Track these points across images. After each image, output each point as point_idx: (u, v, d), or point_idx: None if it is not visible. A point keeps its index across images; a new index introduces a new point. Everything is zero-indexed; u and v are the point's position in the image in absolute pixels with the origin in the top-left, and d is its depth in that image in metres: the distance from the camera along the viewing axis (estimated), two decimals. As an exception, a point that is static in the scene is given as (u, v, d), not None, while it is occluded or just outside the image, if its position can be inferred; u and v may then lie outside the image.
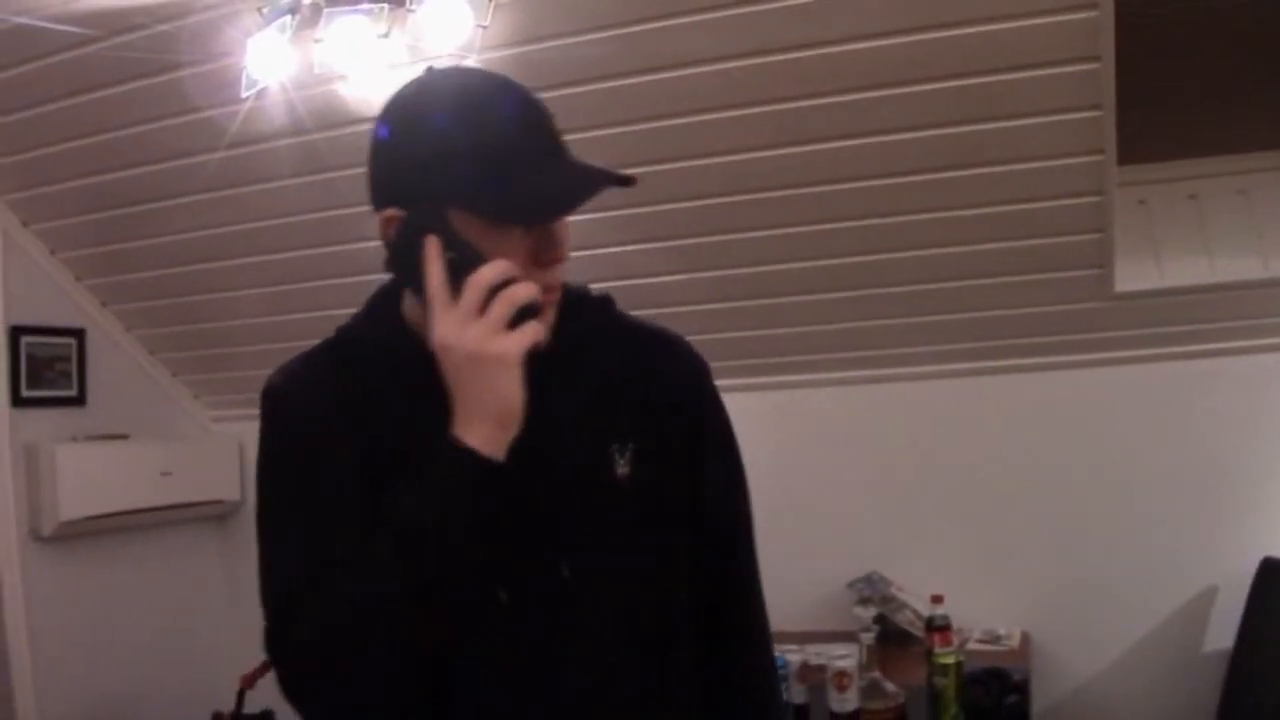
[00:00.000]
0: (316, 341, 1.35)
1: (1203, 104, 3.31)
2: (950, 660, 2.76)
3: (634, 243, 3.38)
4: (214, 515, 4.41)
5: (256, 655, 4.17)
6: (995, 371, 3.63)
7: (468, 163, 1.16)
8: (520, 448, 1.15)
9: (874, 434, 3.76)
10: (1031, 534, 3.58)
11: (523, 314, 1.13)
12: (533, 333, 1.14)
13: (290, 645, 1.17)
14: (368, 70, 2.96)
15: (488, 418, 1.13)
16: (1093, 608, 3.53)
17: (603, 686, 1.27)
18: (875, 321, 3.55)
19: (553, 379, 1.19)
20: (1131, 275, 3.28)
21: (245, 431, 4.37)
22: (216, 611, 4.38)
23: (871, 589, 3.52)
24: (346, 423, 1.23)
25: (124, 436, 4.02)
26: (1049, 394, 3.58)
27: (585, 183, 1.19)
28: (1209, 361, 3.43)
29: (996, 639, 3.42)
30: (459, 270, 1.14)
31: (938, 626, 2.84)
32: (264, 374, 4.30)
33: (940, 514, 3.68)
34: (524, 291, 1.14)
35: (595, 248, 3.32)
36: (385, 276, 1.30)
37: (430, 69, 1.28)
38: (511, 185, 1.17)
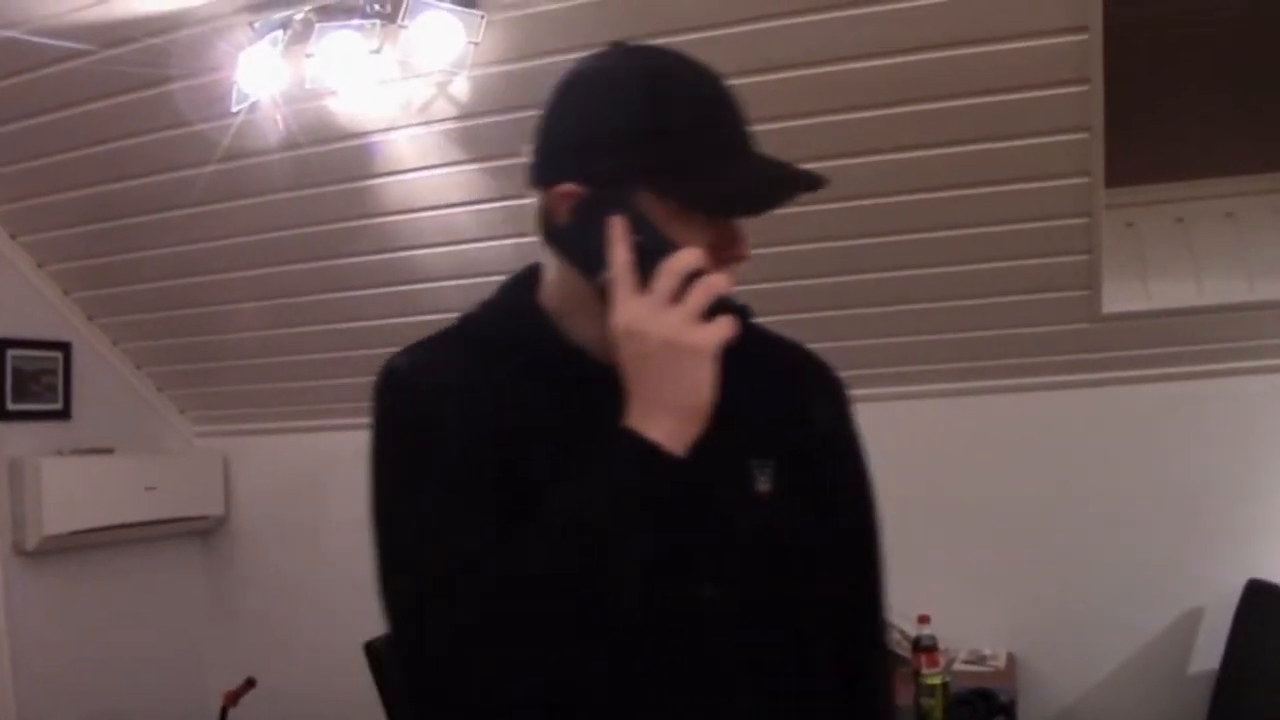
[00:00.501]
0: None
1: (1190, 127, 3.33)
2: (937, 681, 2.76)
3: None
4: (198, 531, 4.39)
5: (239, 672, 4.16)
6: (982, 392, 3.63)
7: (662, 142, 1.11)
8: None
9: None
10: (1018, 554, 3.58)
11: (716, 306, 1.08)
12: (729, 326, 1.08)
13: (423, 643, 1.09)
14: (359, 85, 2.96)
15: (675, 410, 1.07)
16: (1079, 628, 3.53)
17: (734, 711, 1.20)
18: (861, 341, 3.55)
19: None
20: (1119, 297, 3.29)
21: (230, 447, 4.38)
22: (200, 628, 4.36)
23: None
24: (478, 410, 1.16)
25: (109, 451, 4.00)
26: (1035, 414, 3.59)
27: (788, 178, 1.14)
28: (1195, 383, 3.45)
29: (982, 659, 3.42)
30: (647, 255, 1.08)
31: (924, 647, 2.84)
32: (251, 389, 4.29)
33: (926, 534, 3.67)
34: (722, 282, 1.08)
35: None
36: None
37: (619, 44, 1.21)
38: (710, 172, 1.12)
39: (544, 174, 1.17)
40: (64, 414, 3.98)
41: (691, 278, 1.07)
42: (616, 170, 1.11)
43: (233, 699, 3.70)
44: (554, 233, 1.16)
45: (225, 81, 2.98)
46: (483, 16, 2.76)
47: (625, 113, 1.13)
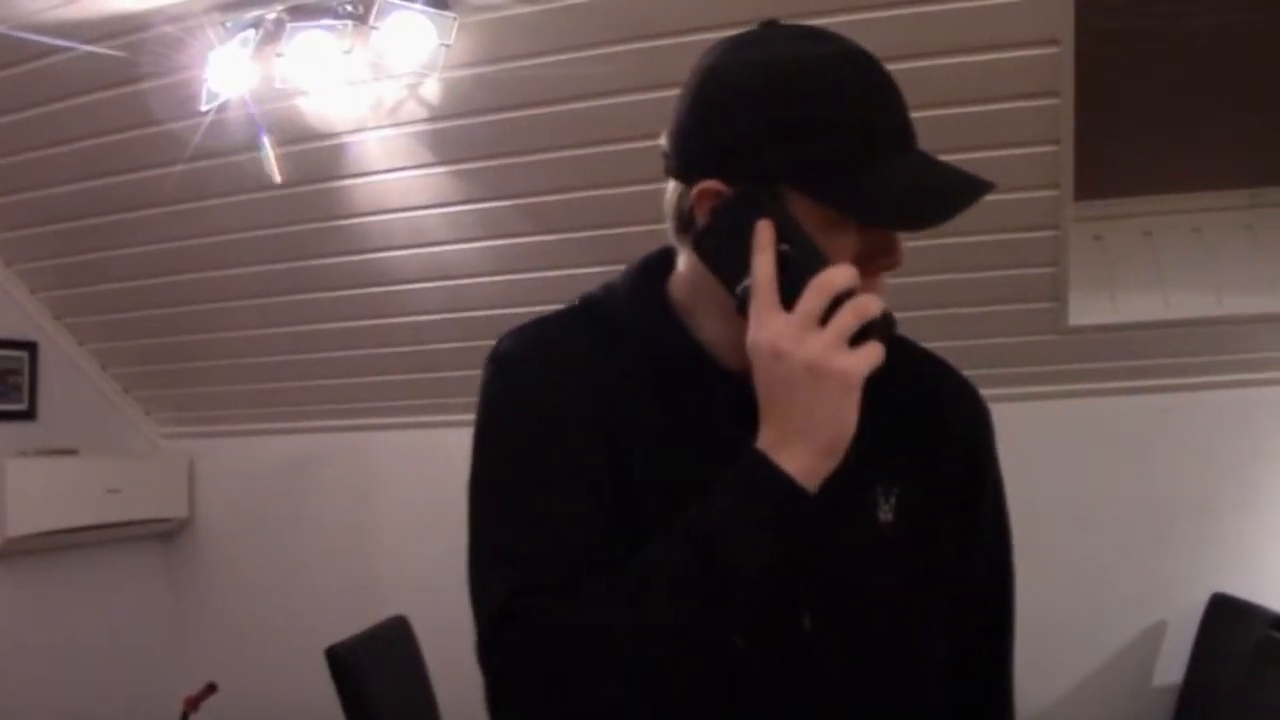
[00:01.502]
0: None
1: (1159, 142, 3.35)
2: (901, 690, 2.75)
3: (589, 265, 3.38)
4: (162, 533, 4.36)
5: (201, 677, 4.12)
6: (949, 403, 3.63)
7: (820, 141, 1.00)
8: None
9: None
10: (984, 566, 3.58)
11: (866, 330, 0.98)
12: (877, 353, 0.97)
13: (516, 646, 1.01)
14: (330, 86, 2.95)
15: (815, 442, 0.97)
16: (1043, 641, 3.51)
17: None
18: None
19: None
20: (1085, 310, 3.30)
21: (196, 449, 4.35)
22: (162, 631, 4.32)
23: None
24: (595, 402, 1.08)
25: (74, 452, 3.96)
26: (1001, 426, 3.55)
27: (961, 186, 1.03)
28: (1161, 397, 3.46)
29: (948, 670, 3.42)
30: (794, 266, 0.99)
31: (889, 656, 2.83)
32: (218, 390, 4.25)
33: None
34: (874, 305, 0.97)
35: (550, 269, 3.32)
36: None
37: (772, 22, 1.09)
38: (875, 176, 1.01)
39: (684, 168, 1.07)
40: (29, 414, 3.94)
41: (842, 298, 0.98)
42: (765, 169, 1.02)
43: (193, 704, 3.67)
44: (693, 233, 1.07)
45: (196, 81, 2.96)
46: (455, 18, 2.76)
47: (774, 103, 1.02)
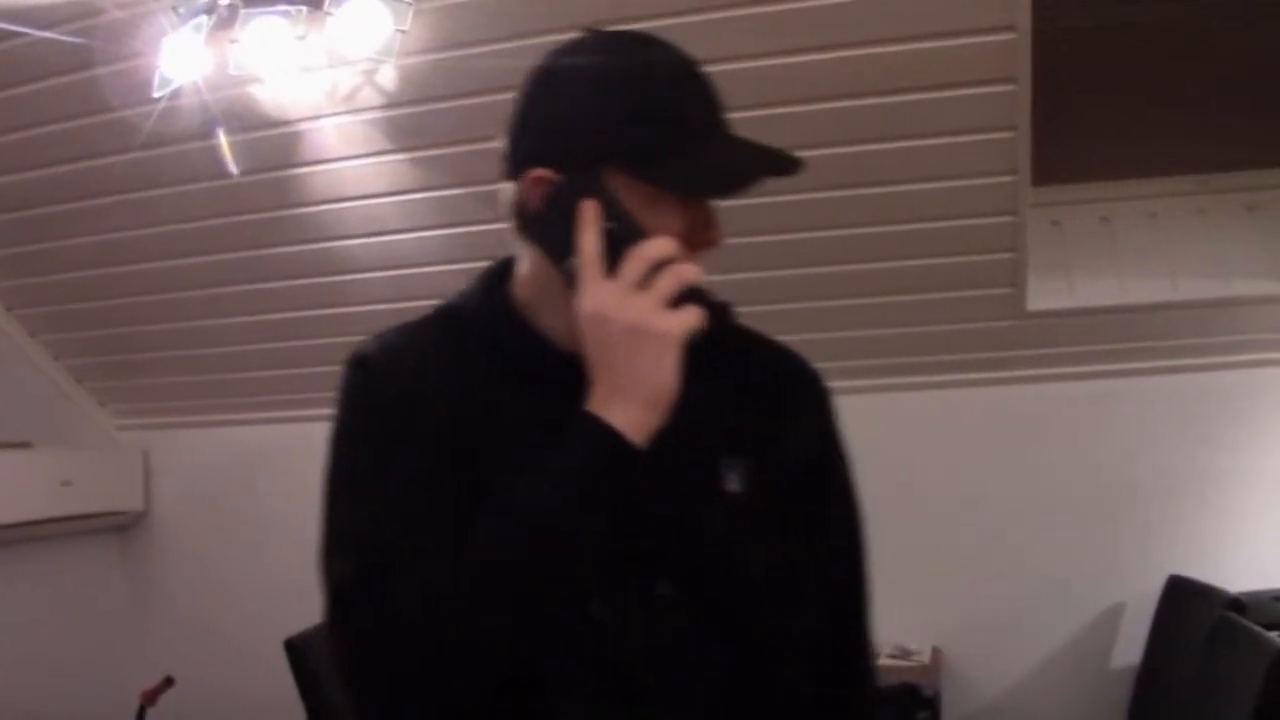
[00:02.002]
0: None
1: (1116, 128, 3.37)
2: (862, 675, 2.76)
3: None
4: (116, 526, 4.31)
5: (158, 671, 4.07)
6: (906, 388, 3.65)
7: (636, 126, 1.09)
8: None
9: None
10: (942, 550, 3.60)
11: (685, 295, 1.06)
12: (696, 315, 1.05)
13: (358, 625, 1.06)
14: (284, 73, 2.92)
15: (638, 398, 1.04)
16: (1003, 624, 3.57)
17: (695, 714, 1.16)
18: (785, 337, 3.55)
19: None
20: (1043, 295, 3.32)
21: (151, 440, 4.29)
22: (118, 625, 4.27)
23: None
24: (443, 398, 1.15)
25: (26, 444, 3.90)
26: (959, 411, 3.61)
27: (762, 160, 1.12)
28: (1118, 381, 3.50)
29: (907, 655, 3.43)
30: (617, 241, 1.07)
31: (850, 642, 2.84)
32: (173, 381, 4.20)
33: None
34: (691, 271, 1.07)
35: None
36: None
37: (591, 29, 1.19)
38: (687, 154, 1.10)
39: (516, 161, 1.15)
40: (-22, 407, 3.88)
41: (661, 265, 1.06)
42: (588, 155, 1.10)
43: (151, 698, 3.63)
44: (526, 220, 1.14)
45: (148, 67, 2.92)
46: (410, 4, 2.73)
47: (597, 97, 1.11)
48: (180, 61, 2.85)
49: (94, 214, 3.52)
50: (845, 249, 3.23)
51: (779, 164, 1.12)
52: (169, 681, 3.69)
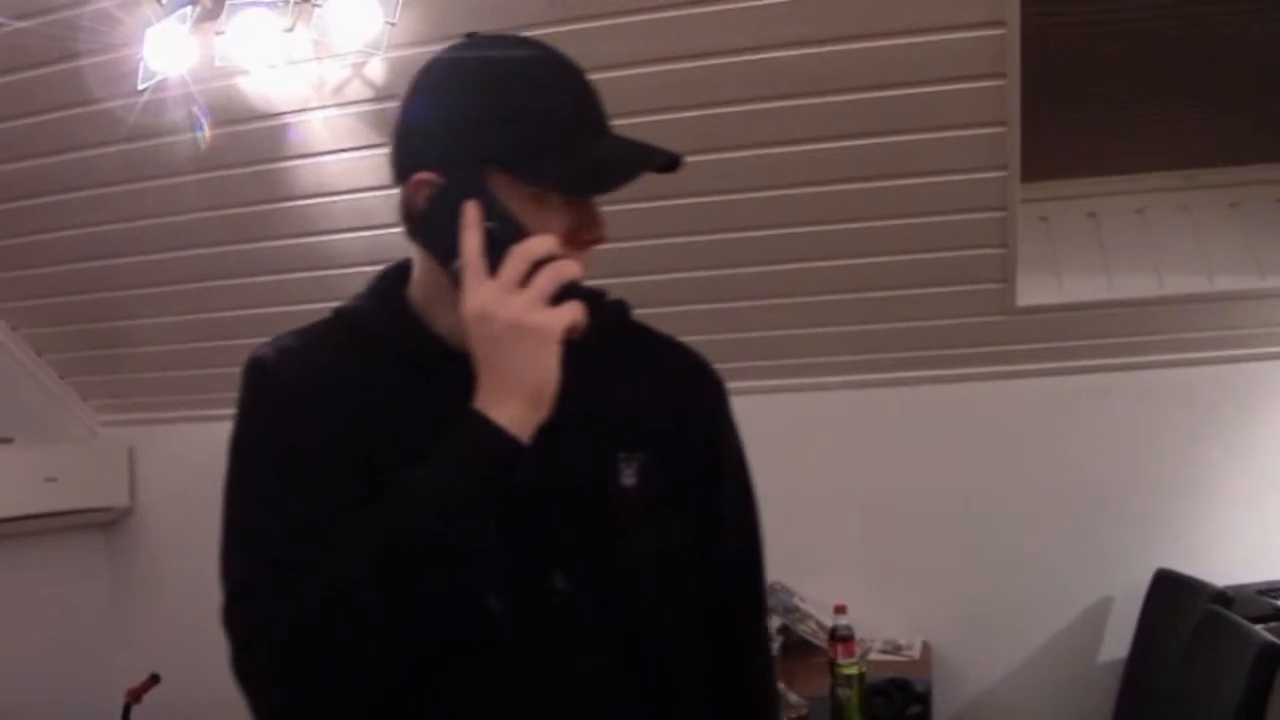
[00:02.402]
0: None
1: (1104, 124, 3.38)
2: (853, 671, 2.76)
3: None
4: (101, 523, 4.28)
5: (143, 668, 4.05)
6: (896, 383, 3.66)
7: (515, 128, 1.12)
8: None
9: (774, 444, 3.69)
10: (932, 544, 3.62)
11: (565, 292, 1.08)
12: (575, 311, 1.08)
13: (252, 624, 1.09)
14: (271, 65, 2.89)
15: (520, 394, 1.07)
16: (992, 618, 3.58)
17: (590, 707, 1.18)
18: (776, 332, 3.56)
19: (563, 378, 1.09)
20: (1032, 290, 3.33)
21: (136, 435, 4.27)
22: (102, 623, 4.24)
23: (774, 599, 3.52)
24: (338, 401, 1.17)
25: (8, 440, 3.87)
26: (949, 406, 3.62)
27: (639, 157, 1.14)
28: (1106, 376, 3.51)
29: (898, 649, 3.44)
30: (498, 240, 1.09)
31: (841, 637, 2.84)
32: (158, 376, 4.17)
33: (841, 525, 3.70)
34: (570, 268, 1.09)
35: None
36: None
37: (473, 34, 1.22)
38: (566, 153, 1.12)
39: (402, 165, 1.18)
40: (-40, 402, 3.85)
41: (541, 263, 1.08)
42: (470, 157, 1.12)
43: (136, 695, 3.61)
44: (413, 222, 1.17)
45: (132, 58, 2.89)
46: (399, -4, 2.71)
47: (477, 99, 1.14)
48: (165, 53, 2.82)
49: (77, 207, 3.49)
50: (835, 244, 3.22)
51: (657, 160, 1.14)
52: (155, 679, 3.67)
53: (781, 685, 2.79)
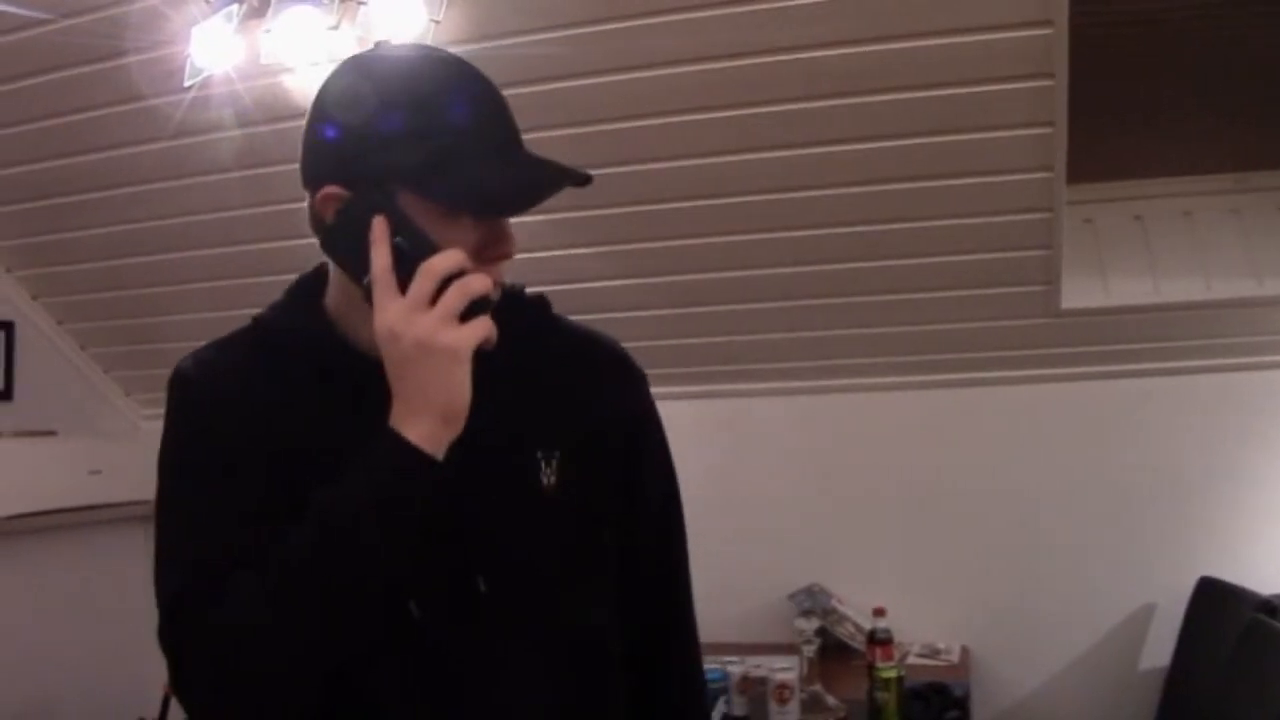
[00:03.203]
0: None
1: (1150, 126, 3.34)
2: (891, 674, 2.75)
3: (579, 246, 3.35)
4: (143, 515, 4.30)
5: (185, 659, 4.04)
6: (939, 385, 3.64)
7: (424, 143, 1.10)
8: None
9: (815, 445, 3.75)
10: (972, 548, 3.59)
11: (475, 307, 1.07)
12: (485, 327, 1.07)
13: (184, 639, 1.11)
14: (315, 63, 2.90)
15: (431, 412, 1.06)
16: (1033, 623, 3.55)
17: (518, 708, 1.19)
18: (819, 332, 3.54)
19: (479, 380, 1.09)
20: (1077, 293, 3.30)
21: (179, 430, 4.29)
22: (144, 615, 4.22)
23: (812, 601, 3.50)
24: (259, 415, 1.17)
25: (52, 433, 3.91)
26: (992, 408, 3.60)
27: (550, 177, 1.13)
28: (1151, 380, 3.48)
29: (937, 653, 3.42)
30: (407, 257, 1.08)
31: (879, 640, 2.83)
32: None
33: (881, 526, 3.68)
34: (478, 284, 1.07)
35: (539, 250, 3.28)
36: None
37: (382, 44, 1.20)
38: (472, 172, 1.11)
39: (309, 176, 1.17)
40: (5, 395, 3.88)
41: (451, 279, 1.07)
42: (378, 172, 1.11)
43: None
44: (322, 235, 1.16)
45: (178, 56, 2.91)
46: (444, -6, 2.72)
47: (385, 115, 1.12)
48: (211, 51, 2.84)
49: (123, 203, 3.52)
50: (876, 245, 3.21)
51: (566, 181, 1.13)
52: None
53: (819, 687, 2.78)
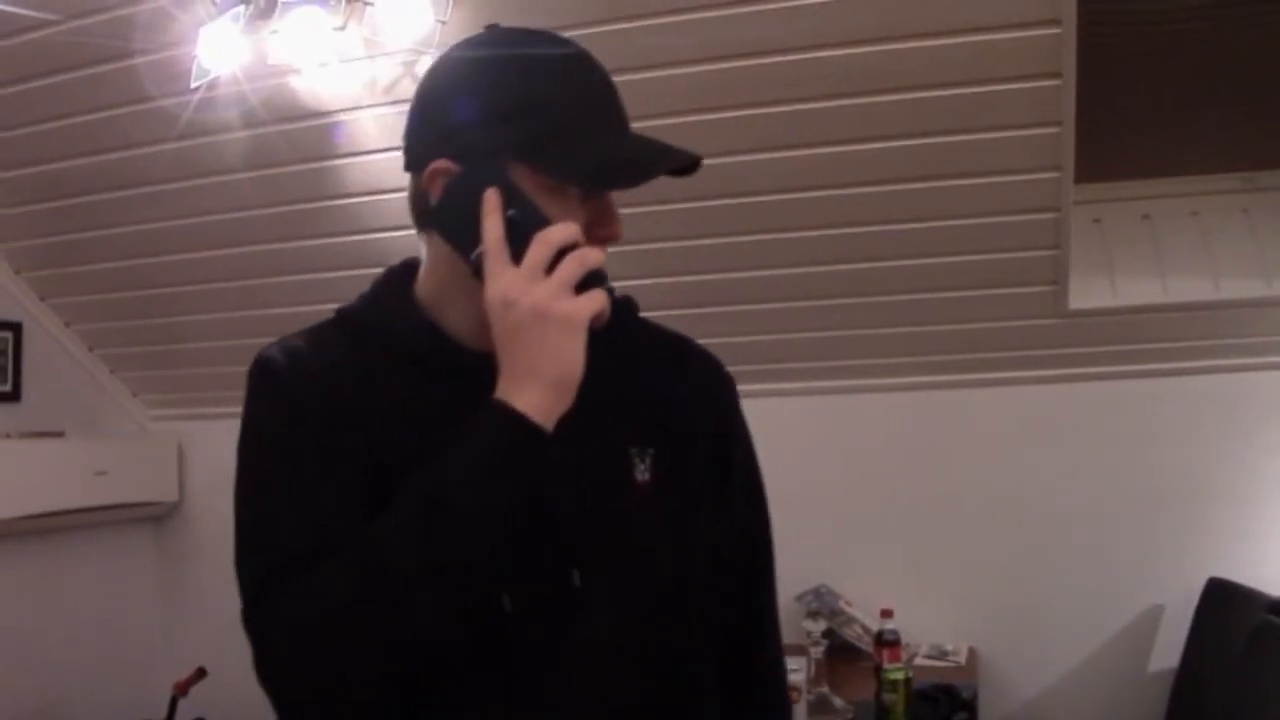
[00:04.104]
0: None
1: (1158, 125, 3.33)
2: (899, 676, 2.74)
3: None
4: (150, 517, 4.32)
5: (190, 661, 4.08)
6: (947, 386, 3.63)
7: (540, 118, 1.10)
8: None
9: (823, 446, 3.74)
10: (980, 549, 3.58)
11: (590, 280, 1.06)
12: (601, 300, 1.06)
13: (272, 624, 1.07)
14: (322, 64, 2.91)
15: (542, 382, 1.05)
16: (1040, 624, 3.54)
17: (605, 705, 1.17)
18: (825, 333, 3.54)
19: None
20: (1085, 293, 3.29)
21: (185, 430, 4.30)
22: (151, 616, 4.28)
23: (820, 602, 3.50)
24: (350, 402, 1.15)
25: (59, 434, 3.91)
26: (1000, 409, 3.59)
27: (662, 155, 1.13)
28: (1160, 381, 3.46)
29: (944, 655, 3.41)
30: (520, 229, 1.07)
31: (887, 641, 2.82)
32: (208, 372, 4.21)
33: (889, 528, 3.67)
34: (595, 256, 1.07)
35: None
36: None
37: (492, 27, 1.20)
38: (585, 146, 1.11)
39: (417, 155, 1.16)
40: (13, 396, 3.89)
41: (565, 251, 1.06)
42: (488, 146, 1.11)
43: (183, 688, 3.64)
44: (429, 213, 1.15)
45: (186, 57, 2.91)
46: (451, -5, 2.72)
47: (499, 90, 1.12)
48: (218, 52, 2.85)
49: (131, 204, 3.53)
50: (882, 245, 3.20)
51: (679, 160, 1.13)
52: (202, 672, 3.69)
53: (826, 688, 2.78)
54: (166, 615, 4.30)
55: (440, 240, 1.15)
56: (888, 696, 2.73)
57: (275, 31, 2.77)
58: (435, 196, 1.13)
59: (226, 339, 3.96)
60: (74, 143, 3.35)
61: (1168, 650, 3.40)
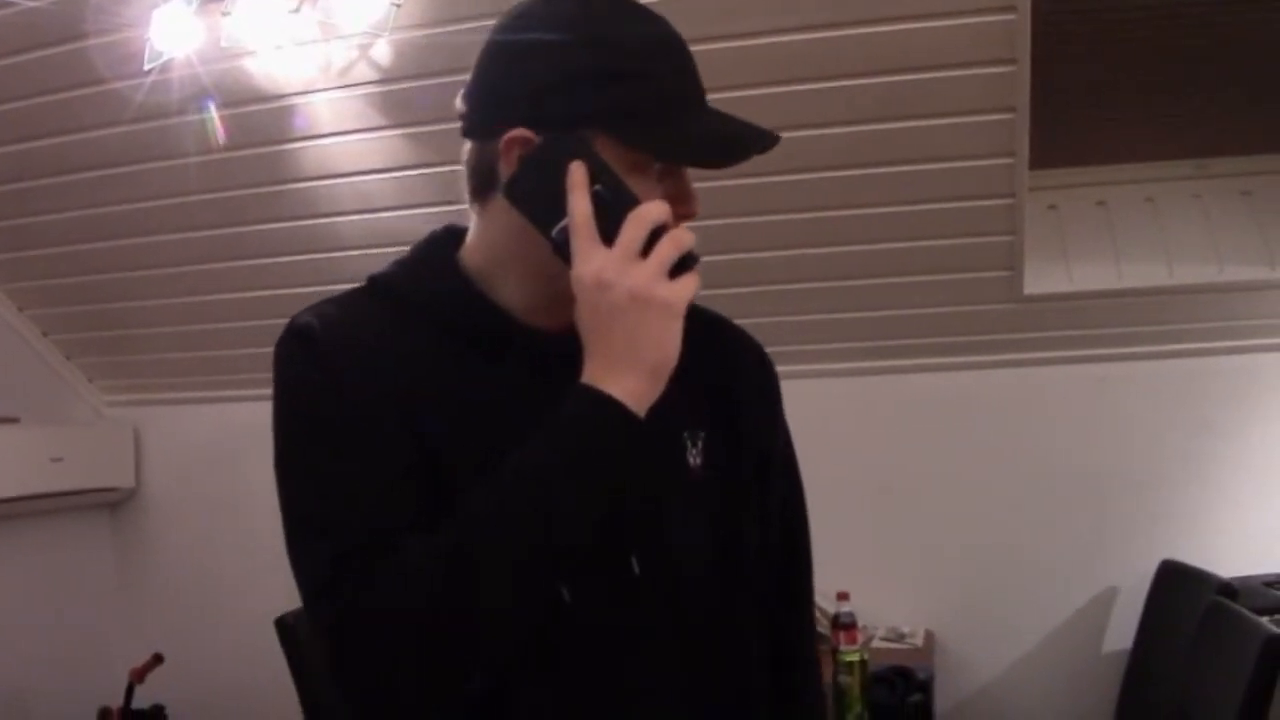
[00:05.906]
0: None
1: (1112, 112, 3.35)
2: (855, 658, 2.75)
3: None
4: (106, 503, 4.29)
5: (146, 648, 4.06)
6: (902, 370, 3.64)
7: (627, 86, 1.04)
8: None
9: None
10: (937, 533, 3.61)
11: (684, 262, 1.02)
12: (696, 283, 1.02)
13: (349, 617, 0.99)
14: (276, 47, 2.88)
15: (639, 368, 1.00)
16: (996, 607, 3.57)
17: (664, 693, 1.13)
18: (782, 318, 3.54)
19: None
20: (1040, 278, 3.31)
21: (141, 416, 4.27)
22: (106, 603, 4.25)
23: (777, 586, 3.51)
24: (394, 370, 1.08)
25: (14, 420, 3.87)
26: (955, 394, 3.61)
27: (753, 132, 1.08)
28: (1114, 366, 3.49)
29: (901, 637, 3.44)
30: (607, 205, 1.01)
31: (843, 624, 2.83)
32: (165, 357, 4.16)
33: (846, 512, 3.67)
34: (688, 237, 1.02)
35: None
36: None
37: None
38: (674, 121, 1.06)
39: (486, 121, 1.09)
40: (-34, 382, 3.85)
41: (658, 231, 1.01)
42: (572, 114, 1.04)
43: (139, 675, 3.62)
44: (503, 185, 1.06)
45: (138, 39, 2.88)
46: (406, -22, 2.70)
47: (583, 53, 1.05)
48: (171, 34, 2.81)
49: (83, 188, 3.49)
50: (841, 230, 3.21)
51: (766, 140, 1.09)
52: (158, 659, 3.68)
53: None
54: (122, 602, 4.26)
55: (501, 212, 1.08)
56: (843, 679, 2.74)
57: (228, 14, 2.75)
58: (508, 168, 1.06)
59: (182, 324, 3.92)
60: (26, 125, 3.30)
61: (1121, 632, 3.44)
